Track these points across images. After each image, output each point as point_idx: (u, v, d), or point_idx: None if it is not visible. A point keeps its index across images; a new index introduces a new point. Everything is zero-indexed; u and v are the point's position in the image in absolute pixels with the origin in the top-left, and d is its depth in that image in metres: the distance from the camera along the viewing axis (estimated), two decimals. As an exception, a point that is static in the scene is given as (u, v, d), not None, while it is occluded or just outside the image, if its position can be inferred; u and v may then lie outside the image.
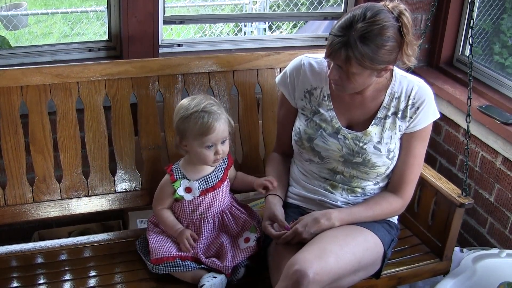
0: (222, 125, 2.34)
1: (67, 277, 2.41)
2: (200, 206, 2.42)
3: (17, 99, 2.44)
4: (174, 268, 2.33)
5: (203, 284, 2.25)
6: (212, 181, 2.43)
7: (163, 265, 2.34)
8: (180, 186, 2.40)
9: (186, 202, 2.41)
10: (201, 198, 2.41)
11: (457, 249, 2.84)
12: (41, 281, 2.38)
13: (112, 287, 2.37)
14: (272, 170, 2.53)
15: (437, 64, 3.54)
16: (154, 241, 2.42)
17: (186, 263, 2.34)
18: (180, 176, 2.41)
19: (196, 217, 2.43)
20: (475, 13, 3.34)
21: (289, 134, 2.50)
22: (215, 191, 2.43)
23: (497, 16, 3.67)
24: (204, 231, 2.43)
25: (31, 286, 2.35)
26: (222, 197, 2.47)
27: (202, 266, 2.36)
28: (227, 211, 2.49)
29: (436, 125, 3.37)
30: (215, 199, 2.44)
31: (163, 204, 2.46)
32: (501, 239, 3.08)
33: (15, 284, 2.35)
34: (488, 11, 3.61)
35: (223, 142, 2.37)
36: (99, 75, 2.54)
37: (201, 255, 2.38)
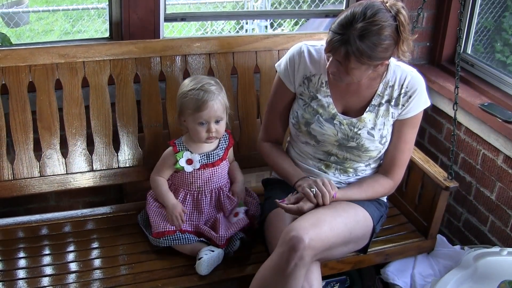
0: (216, 104, 2.44)
1: (71, 248, 2.52)
2: (199, 179, 2.53)
3: (25, 77, 2.52)
4: (175, 241, 2.45)
5: (201, 257, 2.37)
6: (213, 158, 2.54)
7: (164, 238, 2.45)
8: (183, 157, 2.50)
9: (186, 173, 2.52)
10: (200, 171, 2.52)
11: (457, 247, 2.92)
12: (47, 252, 2.49)
13: (114, 258, 2.47)
14: (287, 163, 2.56)
15: (438, 62, 3.53)
16: (154, 215, 2.53)
17: (186, 236, 2.46)
18: (182, 148, 2.52)
19: (194, 189, 2.54)
20: (476, 9, 3.31)
21: (283, 122, 2.59)
22: (214, 168, 2.54)
23: (499, 14, 3.65)
24: (202, 205, 2.54)
25: (37, 257, 2.45)
26: (221, 174, 2.58)
27: (201, 239, 2.48)
28: (224, 189, 2.60)
29: (437, 123, 3.42)
30: (213, 175, 2.55)
31: (161, 174, 2.56)
32: (502, 237, 3.06)
33: (22, 255, 2.46)
34: (490, 9, 3.59)
35: (217, 121, 2.46)
36: (104, 55, 2.62)
37: (201, 226, 2.51)
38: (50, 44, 2.86)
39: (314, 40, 2.62)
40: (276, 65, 2.59)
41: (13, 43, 2.79)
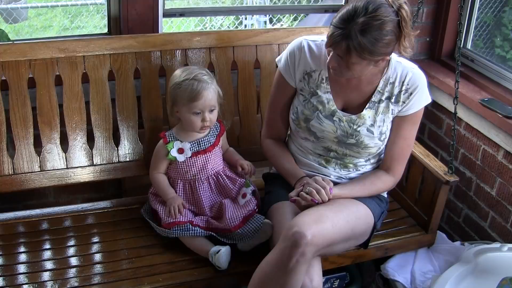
0: (210, 94, 2.46)
1: (71, 243, 2.51)
2: (193, 167, 2.53)
3: (25, 72, 2.51)
4: (185, 232, 2.44)
5: (220, 249, 2.37)
6: (204, 145, 2.55)
7: (174, 228, 2.45)
8: (173, 147, 2.52)
9: (179, 163, 2.53)
10: (193, 159, 2.52)
11: (458, 243, 2.92)
12: (47, 246, 2.49)
13: (115, 253, 2.47)
14: (287, 162, 2.57)
15: (438, 57, 3.53)
16: (162, 209, 2.52)
17: (196, 229, 2.45)
18: (172, 139, 2.54)
19: (190, 177, 2.54)
20: (476, 4, 3.31)
21: (285, 117, 2.59)
22: (207, 154, 2.55)
23: (499, 9, 3.64)
24: (201, 192, 2.54)
25: (37, 251, 2.45)
26: (215, 161, 2.58)
27: (211, 233, 2.46)
28: (221, 173, 2.60)
29: (437, 118, 3.42)
30: (207, 162, 2.55)
31: (158, 169, 2.58)
32: (502, 233, 3.06)
33: (22, 249, 2.45)
34: (489, 4, 3.57)
35: (211, 110, 2.48)
36: (104, 49, 2.61)
37: (210, 221, 2.51)
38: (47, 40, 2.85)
39: (315, 34, 2.61)
40: (276, 60, 2.59)
41: (11, 39, 2.76)
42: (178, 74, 2.50)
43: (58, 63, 2.56)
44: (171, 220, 2.46)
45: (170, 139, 2.54)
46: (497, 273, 2.50)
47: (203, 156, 2.54)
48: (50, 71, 2.55)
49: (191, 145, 2.53)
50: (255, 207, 2.53)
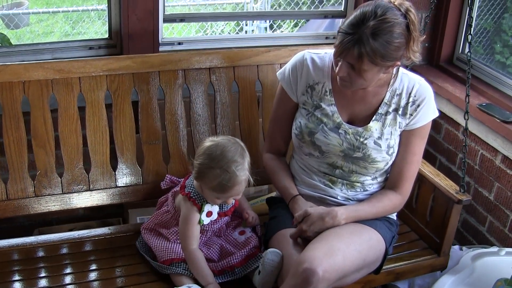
0: (239, 188, 2.27)
1: (68, 270, 2.44)
2: (211, 227, 2.43)
3: (19, 94, 2.46)
4: (181, 270, 2.34)
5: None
6: (227, 207, 2.42)
7: (174, 265, 2.34)
8: (204, 210, 2.34)
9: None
10: (214, 220, 2.41)
11: (456, 247, 2.88)
12: (42, 274, 2.41)
13: (112, 280, 2.39)
14: (283, 179, 2.53)
15: (437, 63, 3.56)
16: (156, 244, 2.43)
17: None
18: (202, 201, 2.34)
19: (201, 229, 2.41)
20: (474, 11, 3.35)
21: (285, 131, 2.54)
22: (226, 217, 2.46)
23: (498, 15, 3.68)
24: (203, 237, 2.42)
25: (32, 279, 2.37)
26: (229, 218, 2.51)
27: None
28: (224, 225, 2.52)
29: (436, 123, 3.41)
30: (223, 222, 2.47)
31: (194, 239, 2.35)
32: (500, 237, 3.09)
33: (17, 277, 2.38)
34: (489, 10, 3.62)
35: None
36: (100, 70, 2.56)
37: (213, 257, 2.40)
38: (49, 45, 2.90)
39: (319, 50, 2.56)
40: (278, 73, 2.55)
41: (12, 44, 2.75)
42: (210, 152, 2.26)
43: (53, 85, 2.51)
44: (167, 258, 2.36)
45: (200, 202, 2.33)
46: (494, 277, 2.54)
47: (224, 218, 2.44)
48: (44, 92, 2.50)
49: (218, 208, 2.38)
50: (257, 244, 2.44)
